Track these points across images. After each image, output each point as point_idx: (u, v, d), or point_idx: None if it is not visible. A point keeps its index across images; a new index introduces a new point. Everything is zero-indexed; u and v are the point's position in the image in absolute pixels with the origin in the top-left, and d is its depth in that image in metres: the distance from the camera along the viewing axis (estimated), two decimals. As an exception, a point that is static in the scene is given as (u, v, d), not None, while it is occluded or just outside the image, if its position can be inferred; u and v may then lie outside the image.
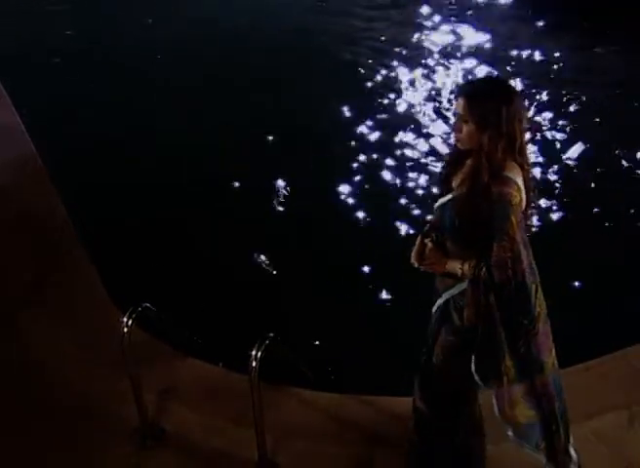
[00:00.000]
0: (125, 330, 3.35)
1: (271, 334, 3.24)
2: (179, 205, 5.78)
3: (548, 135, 6.69)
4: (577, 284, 5.07)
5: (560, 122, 6.81)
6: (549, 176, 6.16)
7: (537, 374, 2.87)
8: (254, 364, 3.16)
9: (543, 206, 5.67)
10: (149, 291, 4.34)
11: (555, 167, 6.28)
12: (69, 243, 4.88)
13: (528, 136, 2.75)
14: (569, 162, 6.36)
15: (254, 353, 3.16)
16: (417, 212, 5.77)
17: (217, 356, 4.13)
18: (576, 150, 6.46)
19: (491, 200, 2.65)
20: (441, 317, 3.01)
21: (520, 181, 2.70)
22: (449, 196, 2.83)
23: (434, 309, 3.06)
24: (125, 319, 3.37)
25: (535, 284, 2.82)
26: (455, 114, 2.73)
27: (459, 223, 2.77)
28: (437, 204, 2.92)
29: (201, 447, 3.68)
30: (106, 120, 6.69)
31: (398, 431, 3.54)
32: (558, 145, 6.56)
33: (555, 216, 5.73)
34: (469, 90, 2.76)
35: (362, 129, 6.67)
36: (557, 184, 6.11)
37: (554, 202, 5.82)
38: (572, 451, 3.05)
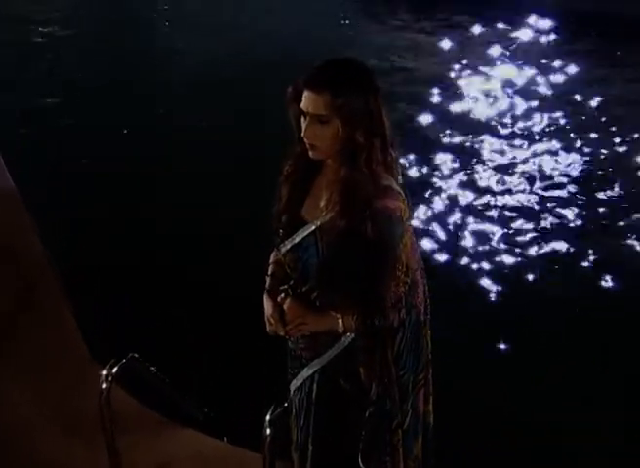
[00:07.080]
0: (104, 385, 2.62)
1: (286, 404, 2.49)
2: (175, 249, 5.35)
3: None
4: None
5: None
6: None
7: (422, 434, 2.40)
8: (267, 431, 2.39)
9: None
10: (135, 346, 3.70)
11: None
12: (45, 284, 4.22)
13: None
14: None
15: (268, 418, 2.40)
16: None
17: (218, 425, 3.44)
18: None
19: (375, 219, 1.99)
20: (318, 391, 2.30)
21: (399, 188, 2.07)
22: (310, 228, 2.11)
23: (297, 385, 2.36)
24: (105, 372, 2.65)
25: (425, 321, 2.24)
26: (300, 114, 2.04)
27: (332, 259, 2.07)
28: (287, 246, 2.18)
29: None
30: (84, 154, 6.65)
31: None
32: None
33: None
34: (326, 80, 2.00)
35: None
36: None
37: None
38: None
